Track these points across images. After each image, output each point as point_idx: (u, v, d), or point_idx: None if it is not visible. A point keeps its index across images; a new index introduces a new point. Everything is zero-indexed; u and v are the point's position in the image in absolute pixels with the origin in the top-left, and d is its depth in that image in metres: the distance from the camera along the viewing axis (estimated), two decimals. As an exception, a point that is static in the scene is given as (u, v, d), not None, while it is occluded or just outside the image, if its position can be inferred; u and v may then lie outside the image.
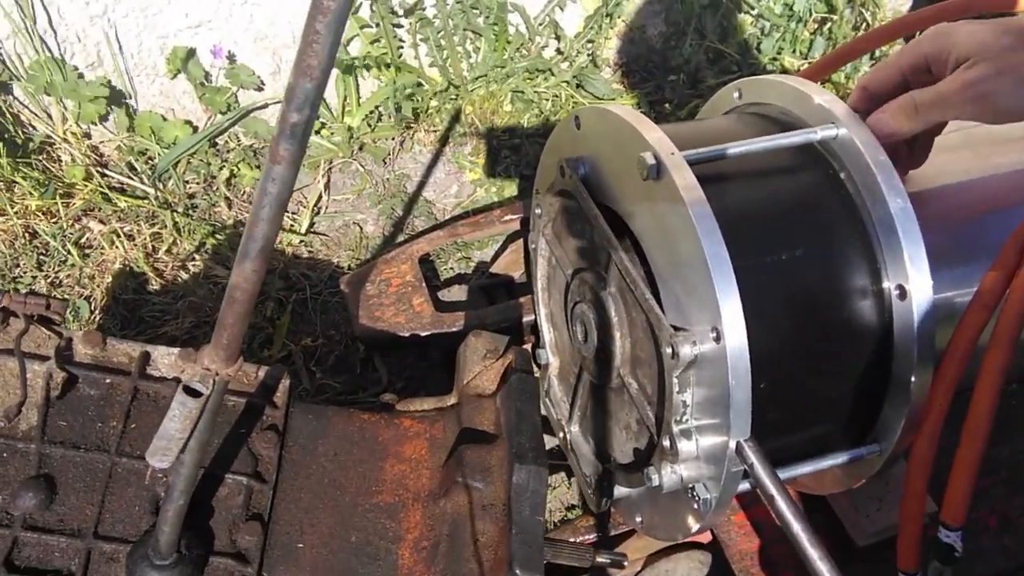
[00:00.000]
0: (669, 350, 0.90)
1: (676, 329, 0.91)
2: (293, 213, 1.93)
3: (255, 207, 0.53)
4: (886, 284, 0.93)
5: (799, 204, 0.97)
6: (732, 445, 0.88)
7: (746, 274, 0.86)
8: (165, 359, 0.96)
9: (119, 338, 0.94)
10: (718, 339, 0.86)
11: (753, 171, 0.99)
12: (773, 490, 0.87)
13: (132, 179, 1.92)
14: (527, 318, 1.52)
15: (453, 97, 2.12)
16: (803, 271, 0.93)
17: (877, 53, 2.22)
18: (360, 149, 2.05)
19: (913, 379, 0.93)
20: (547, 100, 2.16)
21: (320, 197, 1.96)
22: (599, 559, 1.08)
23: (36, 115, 1.92)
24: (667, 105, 2.22)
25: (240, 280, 0.58)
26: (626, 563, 1.14)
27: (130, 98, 1.98)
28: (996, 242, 0.97)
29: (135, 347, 0.95)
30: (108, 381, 0.94)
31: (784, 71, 2.29)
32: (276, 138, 0.50)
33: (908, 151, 1.04)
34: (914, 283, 0.91)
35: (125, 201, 1.87)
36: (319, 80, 0.46)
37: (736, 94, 1.14)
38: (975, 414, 0.94)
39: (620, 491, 1.12)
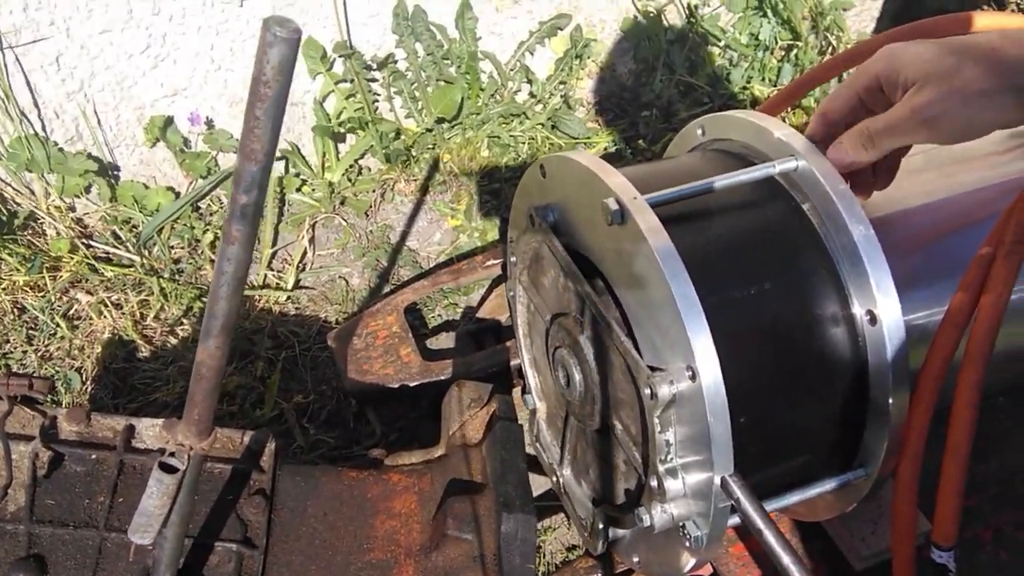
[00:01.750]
0: (648, 391, 0.91)
1: (653, 370, 0.92)
2: (279, 271, 1.95)
3: (213, 287, 0.55)
4: (855, 310, 0.95)
5: (764, 238, 0.98)
6: (717, 481, 0.89)
7: (716, 311, 0.88)
8: (150, 431, 0.97)
9: (104, 413, 0.95)
10: (694, 377, 0.87)
11: (717, 208, 1.01)
12: (760, 524, 0.88)
13: (117, 248, 1.94)
14: (515, 362, 1.53)
15: (431, 146, 2.15)
16: (772, 304, 0.94)
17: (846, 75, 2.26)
18: (342, 203, 2.08)
19: (891, 402, 0.94)
20: (523, 143, 2.20)
21: (305, 253, 1.98)
22: (596, 602, 1.08)
23: (18, 191, 1.94)
24: (641, 141, 2.25)
25: (205, 357, 0.59)
26: (624, 603, 1.14)
27: (111, 169, 2.01)
28: (963, 261, 0.99)
29: (119, 421, 0.96)
30: (94, 457, 0.95)
31: (755, 100, 2.33)
32: (228, 220, 0.51)
33: (872, 174, 1.06)
34: (883, 308, 0.92)
35: (111, 270, 1.89)
36: (263, 163, 0.48)
37: (700, 131, 1.17)
38: (955, 433, 0.95)
39: (614, 532, 1.13)
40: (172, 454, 0.63)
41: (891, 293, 0.92)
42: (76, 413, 0.94)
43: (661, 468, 0.94)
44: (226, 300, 0.55)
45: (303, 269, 1.96)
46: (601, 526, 1.13)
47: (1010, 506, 1.18)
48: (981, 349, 0.93)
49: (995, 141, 1.19)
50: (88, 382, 1.73)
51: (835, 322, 0.95)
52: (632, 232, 0.92)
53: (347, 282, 1.94)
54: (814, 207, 0.98)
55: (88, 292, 1.87)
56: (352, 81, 2.05)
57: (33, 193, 1.96)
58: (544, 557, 1.55)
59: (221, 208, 2.03)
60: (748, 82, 2.32)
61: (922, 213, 1.08)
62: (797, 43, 2.32)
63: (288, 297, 1.88)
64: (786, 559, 0.85)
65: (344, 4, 1.97)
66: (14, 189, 1.95)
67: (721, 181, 0.99)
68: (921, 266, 1.05)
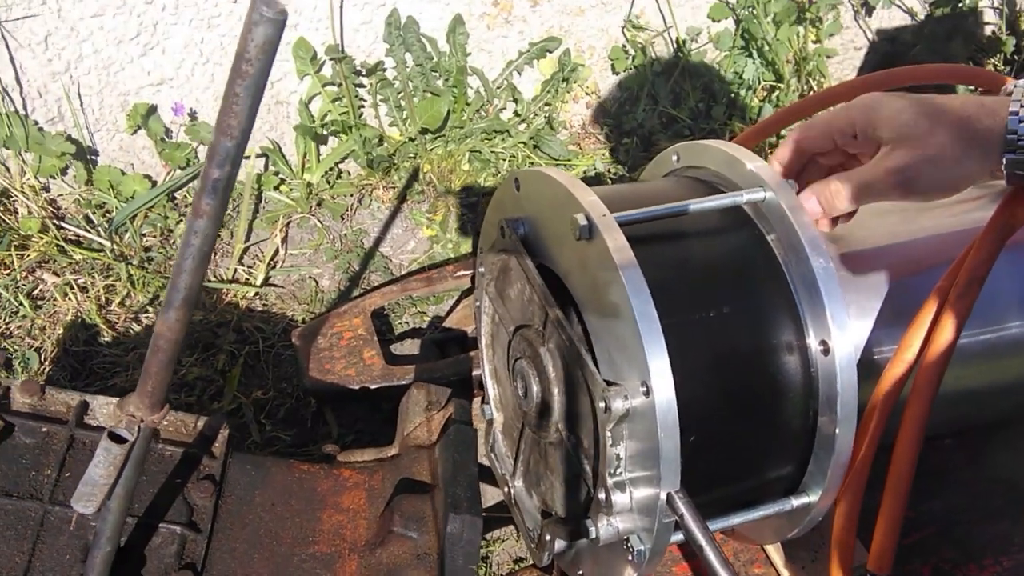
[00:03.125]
0: (602, 404, 0.93)
1: (608, 384, 0.93)
2: (249, 267, 1.94)
3: (178, 258, 0.56)
4: (810, 340, 0.97)
5: (726, 264, 1.01)
6: (663, 496, 0.90)
7: (674, 331, 0.90)
8: (103, 409, 0.97)
9: (58, 388, 0.95)
10: (648, 394, 0.88)
11: (684, 232, 1.03)
12: (702, 540, 0.89)
13: (88, 232, 1.93)
14: (476, 372, 1.54)
15: (412, 155, 2.16)
16: (730, 328, 0.96)
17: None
18: (319, 205, 2.08)
19: (837, 432, 0.96)
20: (504, 160, 2.22)
21: (277, 251, 1.98)
22: (537, 612, 1.08)
23: (-7, 167, 1.94)
24: (621, 167, 2.28)
25: (164, 329, 0.60)
26: (565, 616, 1.14)
27: (90, 152, 2.00)
28: (918, 303, 1.01)
29: (74, 396, 0.96)
30: (45, 430, 0.94)
31: (734, 136, 2.37)
32: (198, 193, 0.52)
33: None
34: (836, 339, 0.94)
35: (80, 253, 1.88)
36: (238, 139, 0.49)
37: (675, 157, 1.19)
38: (897, 464, 0.97)
39: (561, 544, 1.14)
40: (122, 424, 0.63)
41: (845, 325, 0.94)
42: (30, 385, 0.94)
43: (610, 481, 0.96)
44: (190, 273, 0.56)
45: (274, 267, 1.96)
46: (548, 538, 1.14)
47: (950, 544, 1.20)
48: (928, 384, 0.95)
49: (957, 190, 1.23)
50: (47, 363, 1.71)
51: (789, 350, 0.97)
52: (599, 248, 0.93)
53: (317, 283, 1.94)
54: (778, 238, 1.01)
55: (55, 273, 1.86)
56: (340, 85, 2.07)
57: (8, 170, 1.95)
58: (491, 568, 1.55)
59: (197, 200, 2.03)
60: (729, 119, 2.36)
61: (883, 254, 1.11)
62: (779, 85, 2.37)
63: (256, 293, 1.88)
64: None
65: (340, 8, 1.99)
66: (-11, 164, 1.94)
67: (691, 206, 1.01)
68: (877, 304, 1.08)
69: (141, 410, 0.64)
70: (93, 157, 2.02)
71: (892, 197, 0.98)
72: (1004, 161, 0.92)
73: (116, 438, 0.63)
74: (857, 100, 1.01)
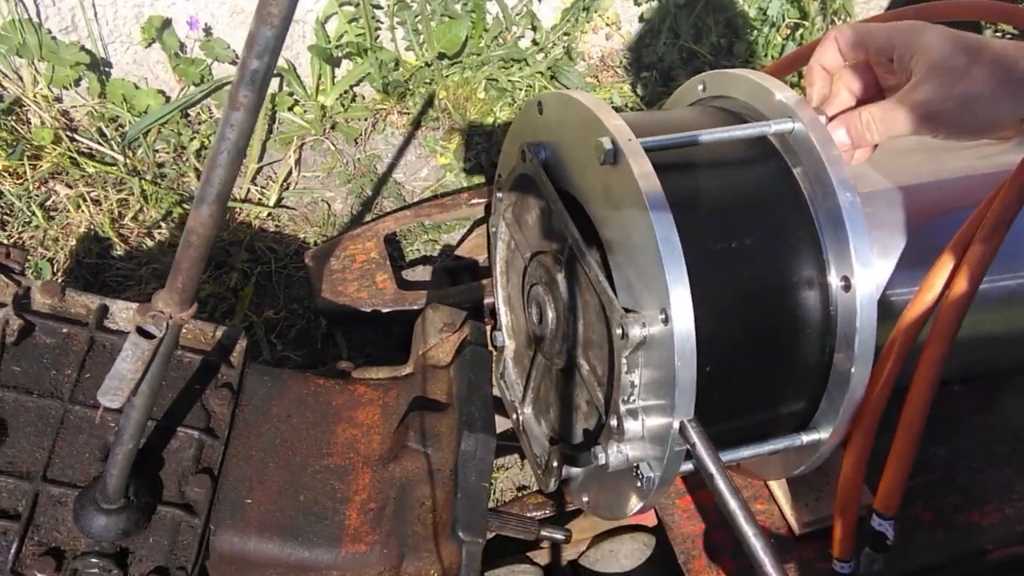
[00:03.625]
0: (619, 331, 0.93)
1: (626, 311, 0.93)
2: (262, 187, 1.93)
3: (212, 151, 0.55)
4: (831, 276, 0.96)
5: (751, 195, 1.00)
6: (676, 425, 0.91)
7: (696, 260, 0.89)
8: (123, 313, 0.97)
9: (78, 291, 0.95)
10: (666, 322, 0.88)
11: (709, 161, 1.02)
12: (713, 469, 0.90)
13: (101, 145, 1.91)
14: (488, 300, 1.54)
15: (428, 81, 2.13)
16: (752, 260, 0.96)
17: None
18: (332, 128, 2.06)
19: (853, 370, 0.96)
20: (521, 89, 2.18)
21: (290, 173, 1.96)
22: (543, 532, 1.10)
23: (6, 75, 1.91)
24: (639, 101, 2.25)
25: (196, 224, 0.60)
26: (570, 538, 1.16)
27: (103, 65, 1.98)
28: (942, 245, 1.00)
29: (94, 299, 0.96)
30: (65, 331, 0.95)
31: (755, 75, 2.33)
32: (235, 84, 0.51)
33: None
34: (858, 276, 0.94)
35: (93, 166, 1.87)
36: (279, 28, 0.48)
37: (701, 87, 1.17)
38: (911, 405, 0.97)
39: (568, 470, 1.15)
40: (152, 318, 0.63)
41: (869, 262, 0.94)
42: (51, 286, 0.94)
43: (623, 408, 0.96)
44: (224, 168, 0.55)
45: (287, 188, 1.94)
46: (555, 464, 1.15)
47: (954, 490, 1.22)
48: (948, 327, 0.95)
49: (986, 133, 1.21)
50: (60, 273, 1.72)
51: (810, 285, 0.97)
52: (623, 173, 0.92)
53: (329, 206, 1.93)
54: (805, 171, 0.99)
55: (68, 185, 1.85)
56: (357, 5, 2.03)
57: (21, 79, 1.92)
58: (495, 495, 1.58)
59: (211, 118, 2.01)
60: (751, 56, 2.32)
61: (908, 193, 1.10)
62: (804, 22, 2.32)
63: (269, 214, 1.87)
64: (733, 503, 0.87)
65: (358, -74, 1.94)
66: (2, 73, 1.91)
67: (716, 135, 1.00)
68: (900, 244, 1.07)
69: (170, 306, 0.64)
70: (107, 69, 1.99)
71: (918, 132, 0.96)
72: None
73: (145, 333, 0.64)
74: (901, 23, 0.98)
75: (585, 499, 1.15)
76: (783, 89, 1.03)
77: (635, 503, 1.03)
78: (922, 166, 1.13)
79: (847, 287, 0.95)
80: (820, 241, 0.97)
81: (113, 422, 0.91)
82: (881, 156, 1.16)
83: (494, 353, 1.28)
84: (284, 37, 0.49)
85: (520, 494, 1.57)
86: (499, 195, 1.25)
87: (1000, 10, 1.18)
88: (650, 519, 1.36)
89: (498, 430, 1.53)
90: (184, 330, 0.99)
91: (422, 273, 1.80)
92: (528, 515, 1.26)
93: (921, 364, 0.97)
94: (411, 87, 2.11)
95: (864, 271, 0.94)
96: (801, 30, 2.32)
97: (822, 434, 1.03)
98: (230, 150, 0.54)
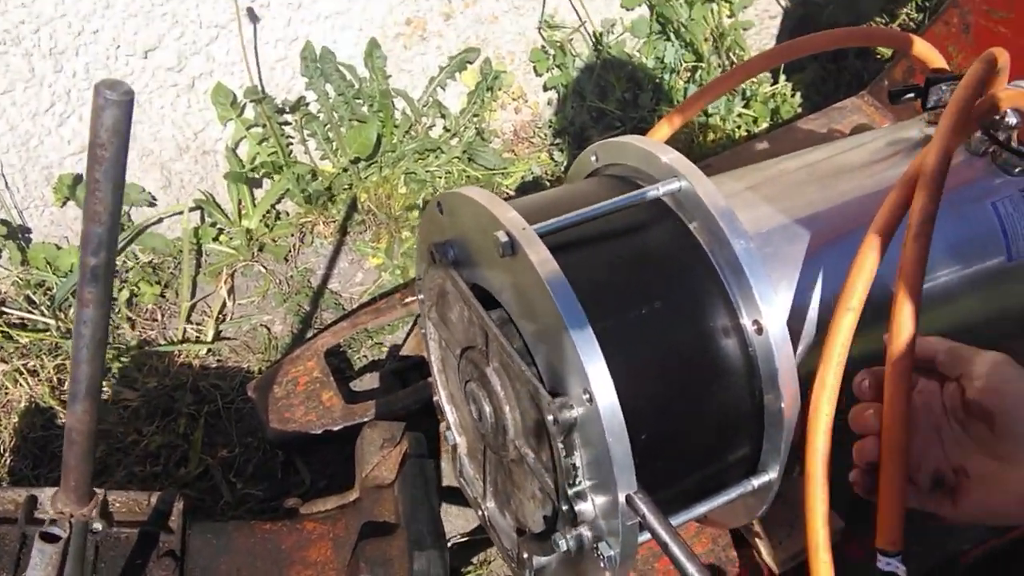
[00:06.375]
0: (551, 417, 0.93)
1: (554, 396, 0.93)
2: (198, 324, 1.93)
3: (73, 351, 0.55)
4: (743, 321, 0.97)
5: (652, 258, 1.01)
6: (622, 499, 0.91)
7: (608, 334, 0.90)
8: (51, 502, 0.95)
9: (2, 487, 0.93)
10: (591, 401, 0.89)
11: (607, 232, 1.03)
12: (666, 537, 0.90)
13: (32, 312, 1.90)
14: (437, 397, 1.54)
15: (347, 186, 2.15)
16: (663, 322, 0.97)
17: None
18: (261, 250, 2.07)
19: (782, 406, 0.97)
20: (440, 177, 2.22)
21: (224, 304, 1.96)
22: (525, 631, 1.08)
23: (-76, 262, 1.90)
24: (558, 167, 2.29)
25: (74, 422, 0.59)
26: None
27: (22, 232, 1.97)
28: (844, 266, 1.02)
29: (20, 493, 0.94)
30: (-4, 532, 0.93)
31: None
32: (80, 283, 0.52)
33: None
34: (767, 317, 0.95)
35: (26, 336, 1.85)
36: (108, 223, 0.49)
37: (594, 157, 1.19)
38: (889, 425, 0.90)
39: (539, 561, 1.14)
40: (53, 522, 0.62)
41: (774, 302, 0.95)
42: (-28, 489, 0.92)
43: (571, 492, 0.96)
44: (87, 363, 0.55)
45: (223, 320, 1.94)
46: (526, 556, 1.14)
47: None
48: (907, 327, 0.92)
49: (872, 151, 1.25)
50: (7, 453, 1.69)
51: (725, 334, 0.98)
52: (523, 263, 0.94)
53: (269, 330, 1.93)
54: (699, 225, 1.01)
55: (2, 360, 1.83)
56: (264, 126, 2.05)
57: (-61, 263, 1.92)
58: (483, 591, 1.55)
59: (137, 263, 2.01)
60: (657, 104, 2.37)
61: (805, 225, 1.12)
62: (701, 64, 2.39)
63: (209, 350, 1.86)
64: (690, 569, 0.87)
65: (254, 48, 1.98)
66: (-82, 260, 1.91)
67: (608, 205, 1.01)
68: (809, 274, 1.09)
69: (69, 505, 0.63)
70: (26, 235, 1.99)
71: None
72: None
73: (49, 537, 0.63)
74: (985, 367, 0.86)
75: (561, 585, 1.13)
76: (667, 151, 1.06)
77: (607, 580, 1.02)
78: (815, 196, 1.16)
79: (759, 330, 0.96)
80: (727, 290, 0.98)
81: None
82: (776, 191, 1.19)
83: (449, 451, 1.27)
84: (117, 231, 0.49)
85: (506, 585, 1.54)
86: (421, 296, 1.26)
87: (871, 35, 1.22)
88: (636, 586, 1.35)
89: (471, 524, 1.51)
90: (117, 504, 0.97)
91: (371, 381, 1.79)
92: (510, 611, 1.24)
93: (889, 372, 0.91)
94: (333, 193, 2.13)
95: (772, 311, 0.95)
96: (699, 71, 2.39)
97: (771, 474, 1.03)
98: (88, 345, 0.54)
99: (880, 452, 0.91)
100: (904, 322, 0.93)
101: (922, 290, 0.95)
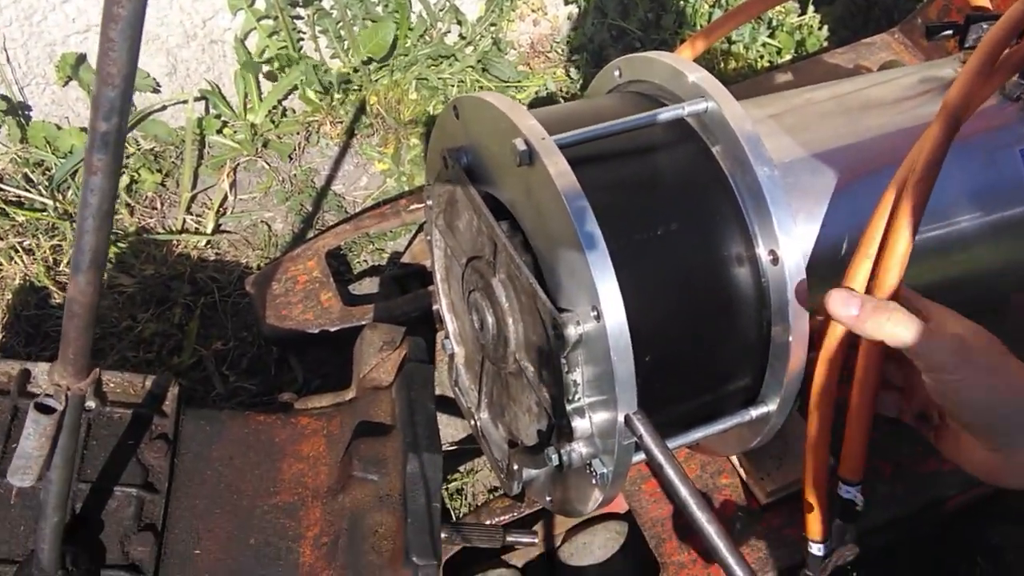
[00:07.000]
0: (555, 331, 0.92)
1: (560, 311, 0.92)
2: (198, 216, 1.90)
3: (79, 220, 0.53)
4: (758, 250, 0.96)
5: (671, 179, 0.99)
6: (621, 419, 0.90)
7: (622, 252, 0.88)
8: (46, 375, 0.94)
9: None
10: (598, 318, 0.87)
11: (627, 150, 1.00)
12: (661, 459, 0.90)
13: (29, 191, 1.87)
14: (437, 306, 1.53)
15: (357, 88, 2.10)
16: (678, 245, 0.95)
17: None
18: (265, 146, 2.03)
19: (790, 340, 0.95)
20: (452, 86, 2.16)
21: (226, 197, 1.93)
22: (510, 538, 1.09)
23: (-79, 131, 1.86)
24: (573, 84, 2.23)
25: (76, 293, 0.58)
26: (536, 540, 1.15)
27: (22, 109, 1.93)
28: (869, 205, 1.00)
29: (13, 365, 0.93)
30: (-13, 402, 0.92)
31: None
32: (88, 149, 0.49)
33: None
34: (784, 248, 0.93)
35: (23, 215, 1.82)
36: (122, 87, 0.46)
37: (617, 73, 1.16)
38: (863, 366, 0.95)
39: (528, 473, 1.14)
40: (49, 395, 0.61)
41: (793, 233, 0.93)
42: (-33, 358, 0.91)
43: (569, 408, 0.96)
44: (92, 233, 0.53)
45: (224, 214, 1.91)
46: (516, 467, 1.14)
47: (906, 440, 1.21)
48: (893, 279, 0.92)
49: (904, 87, 1.21)
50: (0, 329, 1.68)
51: (739, 262, 0.96)
52: (540, 173, 0.91)
53: (269, 227, 1.90)
54: (723, 150, 0.99)
55: (-2, 236, 1.81)
56: (276, 17, 1.99)
57: (-63, 132, 1.88)
58: (467, 499, 1.57)
59: (139, 150, 1.97)
60: (679, 27, 2.31)
61: (829, 158, 1.09)
62: (728, -12, 2.31)
63: (208, 242, 1.84)
64: (683, 492, 0.87)
65: (269, -63, 1.91)
66: (-84, 128, 1.86)
67: (630, 122, 0.98)
68: (826, 209, 1.06)
69: (66, 378, 0.62)
70: (26, 113, 1.95)
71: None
72: None
73: (43, 408, 0.62)
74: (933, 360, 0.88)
75: (548, 499, 1.14)
76: (696, 69, 1.02)
77: (595, 498, 1.02)
78: (841, 128, 1.12)
79: (775, 260, 0.94)
80: (745, 217, 0.96)
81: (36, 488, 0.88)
82: (801, 121, 1.16)
83: (446, 360, 1.26)
84: (130, 96, 0.47)
85: (491, 496, 1.56)
86: (429, 203, 1.23)
87: None
88: (621, 505, 1.36)
89: (464, 433, 1.52)
90: (112, 384, 0.96)
91: (370, 285, 1.78)
92: (496, 520, 1.25)
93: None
94: (345, 88, 2.08)
95: (789, 242, 0.93)
96: (725, -5, 2.32)
97: (770, 407, 1.02)
98: (95, 215, 0.52)
99: (851, 389, 0.95)
100: (891, 272, 0.92)
101: (915, 234, 0.93)
